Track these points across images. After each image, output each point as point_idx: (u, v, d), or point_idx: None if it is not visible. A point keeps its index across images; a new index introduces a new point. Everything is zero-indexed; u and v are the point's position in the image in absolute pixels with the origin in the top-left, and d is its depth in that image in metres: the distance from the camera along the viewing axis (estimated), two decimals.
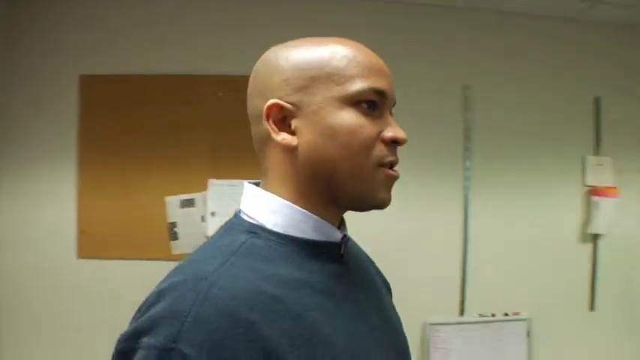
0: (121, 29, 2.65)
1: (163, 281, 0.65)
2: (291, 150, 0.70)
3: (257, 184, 0.77)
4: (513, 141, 2.94)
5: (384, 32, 2.66)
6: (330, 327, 0.65)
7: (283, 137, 0.69)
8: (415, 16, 2.80)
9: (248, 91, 0.76)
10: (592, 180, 3.00)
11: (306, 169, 0.70)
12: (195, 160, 2.64)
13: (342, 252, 0.75)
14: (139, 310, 0.64)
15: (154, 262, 2.44)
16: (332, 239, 0.73)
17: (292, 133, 0.70)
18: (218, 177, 2.58)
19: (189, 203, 2.58)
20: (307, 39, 0.74)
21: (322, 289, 0.68)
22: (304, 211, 0.70)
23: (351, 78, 0.69)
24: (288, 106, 0.69)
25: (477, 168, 2.87)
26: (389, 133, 0.71)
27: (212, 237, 0.74)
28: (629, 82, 3.13)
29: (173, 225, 2.57)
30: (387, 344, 0.79)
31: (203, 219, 2.55)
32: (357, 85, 0.68)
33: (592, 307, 3.02)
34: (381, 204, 0.73)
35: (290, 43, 0.74)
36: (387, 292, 0.95)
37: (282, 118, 0.70)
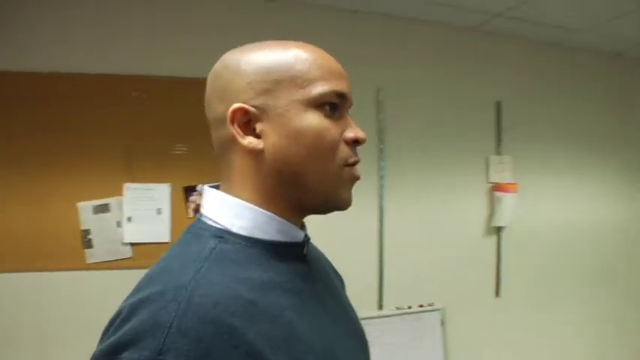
0: (34, 25, 2.49)
1: (135, 294, 0.63)
2: (256, 153, 0.70)
3: (216, 187, 0.77)
4: (424, 142, 3.11)
5: (296, 35, 2.70)
6: (303, 325, 0.67)
7: (250, 141, 0.70)
8: (329, 20, 2.87)
9: (206, 94, 0.76)
10: (494, 177, 3.25)
11: (272, 171, 0.71)
12: (109, 164, 2.48)
13: (304, 252, 0.77)
14: (110, 325, 0.62)
15: (69, 272, 2.33)
16: (295, 239, 0.74)
17: (257, 136, 0.70)
18: (133, 180, 2.50)
19: (103, 209, 2.48)
20: (268, 42, 0.74)
21: (290, 288, 0.69)
22: (268, 213, 0.71)
23: (314, 81, 0.70)
24: (253, 109, 0.70)
25: (390, 167, 3.00)
26: (351, 134, 0.73)
27: (177, 244, 0.73)
28: (525, 88, 3.43)
29: (87, 232, 2.44)
30: (350, 337, 0.82)
31: (119, 224, 2.46)
32: (320, 88, 0.70)
33: (498, 293, 3.26)
34: (345, 204, 0.76)
35: (250, 46, 0.75)
36: (342, 287, 0.99)
37: (247, 122, 0.70)
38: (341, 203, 0.75)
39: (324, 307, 0.77)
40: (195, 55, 2.11)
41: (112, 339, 0.58)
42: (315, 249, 0.94)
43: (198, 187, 2.40)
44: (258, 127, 0.70)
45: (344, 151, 0.72)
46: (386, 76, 3.00)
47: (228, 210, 0.71)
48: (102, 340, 0.61)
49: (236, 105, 0.69)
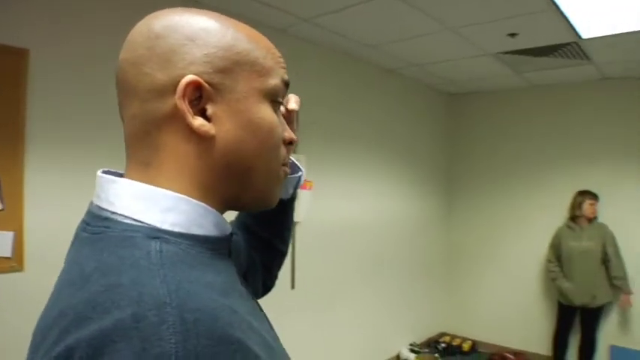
0: None
1: (77, 327, 0.47)
2: (202, 139, 0.60)
3: (120, 176, 0.63)
4: None
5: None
6: (264, 329, 0.61)
7: (202, 123, 0.59)
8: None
9: (133, 55, 0.61)
10: None
11: (218, 163, 0.61)
12: None
13: (229, 246, 0.69)
14: None
15: None
16: (225, 233, 0.65)
17: (207, 119, 0.60)
18: None
19: None
20: (216, 13, 0.64)
21: (238, 289, 0.62)
22: (204, 204, 0.61)
23: (270, 71, 0.64)
24: (208, 87, 0.59)
25: None
26: (289, 134, 0.70)
27: (91, 252, 0.56)
28: (324, 92, 3.69)
29: None
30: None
31: None
32: (276, 80, 0.65)
33: (293, 285, 3.44)
34: (275, 202, 0.70)
35: (201, 11, 0.63)
36: None
37: (196, 100, 0.59)
38: (274, 202, 0.69)
39: (255, 303, 0.71)
40: None
41: None
42: None
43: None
44: (210, 108, 0.59)
45: (283, 149, 0.68)
46: None
47: (154, 204, 0.58)
48: None
49: (191, 77, 0.57)
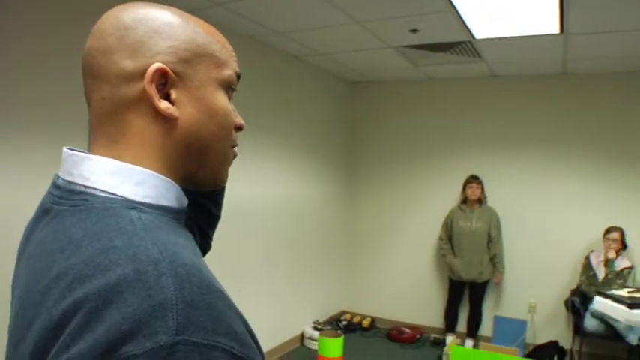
0: None
1: (82, 282, 0.53)
2: (167, 120, 0.66)
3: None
4: None
5: None
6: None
7: (167, 106, 0.66)
8: None
9: (102, 43, 0.67)
10: None
11: (181, 142, 0.68)
12: None
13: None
14: (61, 326, 0.52)
15: None
16: (184, 206, 0.72)
17: (171, 103, 0.67)
18: None
19: None
20: (177, 9, 0.71)
21: (199, 253, 0.67)
22: (169, 179, 0.68)
23: (225, 63, 0.72)
24: (172, 74, 0.66)
25: None
26: (239, 120, 0.77)
27: (76, 222, 0.61)
28: None
29: None
30: None
31: None
32: (230, 71, 0.72)
33: None
34: (225, 182, 0.78)
35: (162, 6, 0.70)
36: None
37: (162, 85, 0.66)
38: (224, 181, 0.77)
39: None
40: None
41: (96, 337, 0.49)
42: None
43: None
44: (174, 93, 0.67)
45: (234, 134, 0.76)
46: None
47: (127, 178, 0.64)
48: (60, 349, 0.51)
49: (158, 65, 0.65)
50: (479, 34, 3.57)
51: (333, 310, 5.59)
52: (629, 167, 4.43)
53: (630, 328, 2.92)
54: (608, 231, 4.20)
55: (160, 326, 0.49)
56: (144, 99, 0.65)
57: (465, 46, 3.90)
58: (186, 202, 0.73)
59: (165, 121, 0.66)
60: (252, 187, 4.10)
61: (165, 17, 0.68)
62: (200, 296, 0.52)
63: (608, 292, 2.28)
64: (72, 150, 0.68)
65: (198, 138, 0.69)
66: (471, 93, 5.14)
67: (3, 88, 2.35)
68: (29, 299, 0.61)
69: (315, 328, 4.84)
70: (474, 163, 5.03)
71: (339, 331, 4.29)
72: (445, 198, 5.12)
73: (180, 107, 0.67)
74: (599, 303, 2.21)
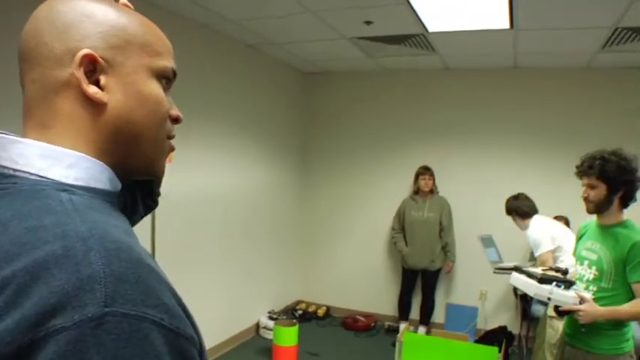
0: None
1: (9, 261, 0.52)
2: (95, 105, 0.66)
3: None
4: None
5: None
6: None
7: (96, 91, 0.66)
8: None
9: (34, 26, 0.67)
10: None
11: (110, 127, 0.68)
12: None
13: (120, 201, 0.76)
14: None
15: None
16: (117, 189, 0.72)
17: (101, 89, 0.67)
18: None
19: None
20: (121, 6, 0.72)
21: (133, 234, 0.67)
22: (100, 162, 0.68)
23: (160, 54, 0.72)
24: (101, 60, 0.66)
25: None
26: (175, 112, 0.77)
27: (6, 204, 0.59)
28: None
29: None
30: None
31: None
32: (165, 62, 0.73)
33: (153, 256, 3.40)
34: (162, 172, 0.78)
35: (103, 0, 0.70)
36: None
37: (91, 71, 0.66)
38: (160, 172, 0.78)
39: None
40: None
41: (24, 311, 0.48)
42: None
43: None
44: (103, 79, 0.67)
45: (169, 124, 0.76)
46: None
47: (58, 161, 0.64)
48: None
49: (87, 50, 0.65)
50: (432, 27, 3.62)
51: (289, 300, 5.61)
52: (573, 159, 4.59)
53: (537, 302, 3.06)
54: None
55: (89, 299, 0.49)
56: (73, 83, 0.65)
57: (418, 38, 3.94)
58: (119, 185, 0.72)
59: (95, 106, 0.66)
60: (205, 176, 4.05)
61: (100, 6, 0.69)
62: (129, 270, 0.53)
63: (524, 269, 2.42)
64: (1, 133, 0.66)
65: (127, 123, 0.69)
66: (424, 85, 5.22)
67: None
68: None
69: (271, 318, 4.84)
70: (425, 153, 5.12)
71: (294, 320, 4.31)
72: (397, 189, 5.20)
73: (109, 93, 0.67)
74: (515, 278, 2.35)
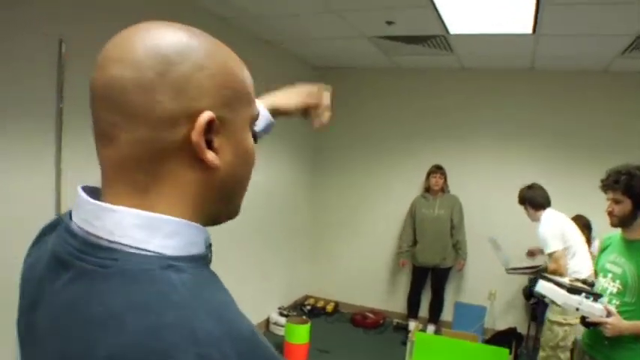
0: None
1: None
2: (207, 169, 0.61)
3: (94, 191, 0.63)
4: None
5: None
6: None
7: (214, 157, 0.60)
8: None
9: (140, 76, 0.57)
10: None
11: (220, 190, 0.64)
12: None
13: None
14: None
15: None
16: (210, 243, 0.67)
17: (215, 151, 0.60)
18: None
19: None
20: (215, 40, 0.64)
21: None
22: (197, 224, 0.62)
23: (252, 100, 0.67)
24: (217, 122, 0.59)
25: (70, 127, 2.74)
26: None
27: (115, 289, 0.54)
28: None
29: None
30: None
31: None
32: (256, 109, 0.68)
33: None
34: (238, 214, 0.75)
35: (196, 32, 0.62)
36: None
37: (206, 132, 0.59)
38: (239, 213, 0.73)
39: None
40: None
41: None
42: None
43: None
44: (216, 141, 0.60)
45: None
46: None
47: (156, 231, 0.58)
48: None
49: (210, 114, 0.58)
50: (453, 29, 3.60)
51: (297, 295, 5.64)
52: (592, 161, 4.57)
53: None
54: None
55: None
56: (186, 146, 0.58)
57: (438, 39, 3.92)
58: (210, 238, 0.67)
59: (206, 169, 0.61)
60: None
61: (205, 47, 0.61)
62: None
63: (551, 277, 2.44)
64: (86, 192, 0.61)
65: (233, 182, 0.65)
66: (439, 83, 5.20)
67: None
68: None
69: (281, 314, 4.87)
70: (437, 152, 5.11)
71: (305, 318, 4.33)
72: (409, 186, 5.21)
73: (221, 154, 0.61)
74: (541, 286, 2.37)
